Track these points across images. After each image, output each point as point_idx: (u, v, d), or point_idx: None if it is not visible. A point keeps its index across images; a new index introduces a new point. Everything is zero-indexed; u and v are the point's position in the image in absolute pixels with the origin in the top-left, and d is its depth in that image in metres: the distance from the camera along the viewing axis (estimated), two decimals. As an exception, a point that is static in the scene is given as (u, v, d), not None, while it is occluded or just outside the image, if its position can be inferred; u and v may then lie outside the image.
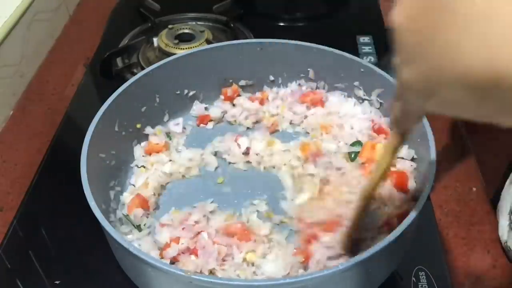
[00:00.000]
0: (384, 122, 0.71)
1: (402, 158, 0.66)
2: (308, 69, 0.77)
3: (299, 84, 0.78)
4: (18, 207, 0.70)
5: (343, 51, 0.73)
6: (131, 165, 0.71)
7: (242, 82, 0.79)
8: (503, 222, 0.65)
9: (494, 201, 0.71)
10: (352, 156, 0.69)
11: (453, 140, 0.80)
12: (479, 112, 0.30)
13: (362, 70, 0.71)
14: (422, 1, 0.30)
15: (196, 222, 0.61)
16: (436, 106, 0.33)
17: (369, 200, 0.53)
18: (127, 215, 0.63)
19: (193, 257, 0.57)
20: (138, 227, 0.62)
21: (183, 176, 0.70)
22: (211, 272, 0.56)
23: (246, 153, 0.71)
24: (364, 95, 0.73)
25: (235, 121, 0.77)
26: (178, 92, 0.77)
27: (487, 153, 0.82)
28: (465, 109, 0.31)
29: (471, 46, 0.27)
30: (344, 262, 0.48)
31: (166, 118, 0.76)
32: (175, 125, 0.75)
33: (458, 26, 0.27)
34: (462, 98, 0.29)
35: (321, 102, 0.76)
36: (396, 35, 0.32)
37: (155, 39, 0.95)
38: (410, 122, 0.43)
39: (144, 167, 0.70)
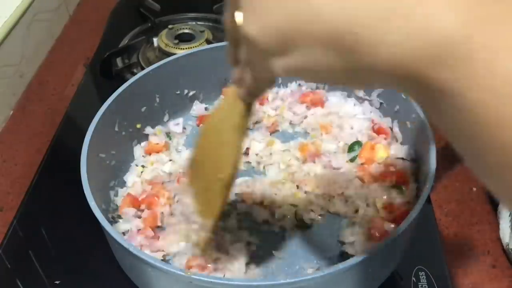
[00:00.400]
0: (384, 122, 0.71)
1: (402, 158, 0.66)
2: (308, 69, 0.77)
3: (299, 84, 0.78)
4: (18, 207, 0.70)
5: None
6: (131, 164, 0.71)
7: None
8: (504, 224, 0.65)
9: (494, 201, 0.71)
10: (351, 157, 0.69)
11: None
12: (337, 76, 0.28)
13: (362, 70, 0.71)
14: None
15: None
16: (288, 68, 0.28)
17: (229, 189, 0.48)
18: (119, 215, 0.63)
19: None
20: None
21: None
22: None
23: (246, 153, 0.71)
24: (364, 95, 0.73)
25: None
26: (178, 92, 0.77)
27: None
28: (320, 72, 0.28)
29: (330, 5, 0.25)
30: (344, 262, 0.48)
31: (166, 118, 0.76)
32: (175, 125, 0.75)
33: None
34: (318, 56, 0.26)
35: (321, 102, 0.76)
36: None
37: (155, 39, 0.95)
38: (260, 90, 0.38)
39: (144, 166, 0.70)
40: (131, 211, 0.63)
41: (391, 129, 0.70)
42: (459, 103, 0.24)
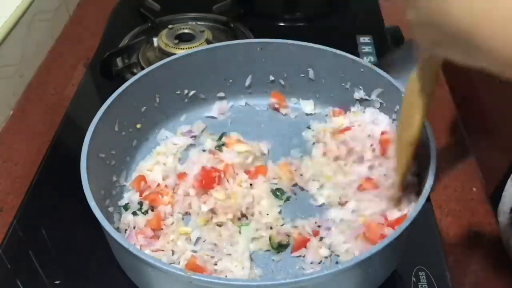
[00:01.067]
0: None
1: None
2: (308, 69, 0.77)
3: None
4: (18, 207, 0.70)
5: (343, 51, 0.73)
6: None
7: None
8: (504, 221, 0.66)
9: (494, 201, 0.71)
10: None
11: (453, 140, 0.80)
12: (471, 59, 0.33)
13: (362, 70, 0.71)
14: None
15: None
16: (438, 49, 0.36)
17: (415, 144, 0.53)
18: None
19: None
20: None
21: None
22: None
23: None
24: (364, 95, 0.73)
25: None
26: (178, 92, 0.77)
27: (487, 153, 0.82)
28: (458, 54, 0.34)
29: (459, 7, 0.30)
30: (344, 262, 0.48)
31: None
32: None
33: None
34: (451, 41, 0.33)
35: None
36: None
37: (155, 39, 0.95)
38: (435, 61, 0.45)
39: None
40: (135, 197, 0.65)
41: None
42: None
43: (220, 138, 0.76)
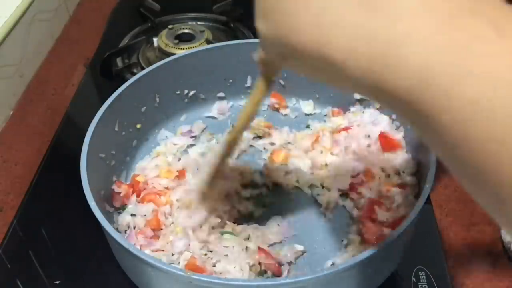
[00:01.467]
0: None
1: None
2: (308, 69, 0.77)
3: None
4: (18, 207, 0.70)
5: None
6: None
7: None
8: (503, 222, 0.65)
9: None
10: None
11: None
12: (319, 77, 0.32)
13: (362, 70, 0.71)
14: None
15: None
16: (285, 63, 0.35)
17: (231, 148, 0.56)
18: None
19: None
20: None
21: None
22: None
23: None
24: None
25: None
26: (178, 92, 0.77)
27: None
28: (308, 74, 0.33)
29: (306, 22, 0.28)
30: (344, 262, 0.48)
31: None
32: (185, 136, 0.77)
33: (297, 5, 0.29)
34: (299, 63, 0.32)
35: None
36: None
37: (155, 39, 0.95)
38: (272, 69, 0.45)
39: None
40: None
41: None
42: (432, 124, 0.26)
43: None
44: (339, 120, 0.74)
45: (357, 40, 0.27)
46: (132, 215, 0.63)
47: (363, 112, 0.73)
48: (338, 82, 0.32)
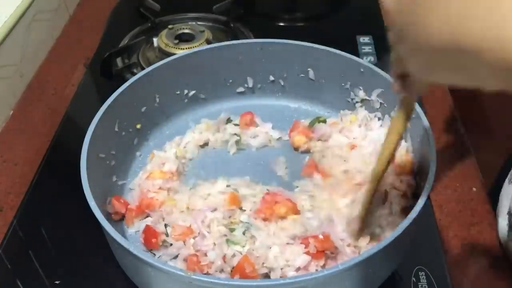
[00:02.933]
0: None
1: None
2: (308, 69, 0.77)
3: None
4: (18, 207, 0.70)
5: (343, 51, 0.73)
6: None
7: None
8: (502, 222, 0.66)
9: (494, 201, 0.71)
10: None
11: (453, 140, 0.80)
12: (459, 78, 0.34)
13: (362, 70, 0.71)
14: None
15: None
16: (427, 73, 0.37)
17: (379, 182, 0.56)
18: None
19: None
20: None
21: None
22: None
23: None
24: (364, 95, 0.73)
25: None
26: (178, 92, 0.77)
27: (487, 153, 0.82)
28: (450, 77, 0.35)
29: (437, 22, 0.31)
30: (344, 262, 0.48)
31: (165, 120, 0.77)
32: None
33: (425, 8, 0.32)
34: (441, 64, 0.34)
35: None
36: (387, 17, 0.37)
37: (155, 39, 0.95)
38: (414, 94, 0.48)
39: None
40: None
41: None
42: None
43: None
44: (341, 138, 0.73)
45: (490, 25, 0.28)
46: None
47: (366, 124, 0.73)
48: (481, 77, 0.32)
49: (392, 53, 0.41)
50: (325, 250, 0.56)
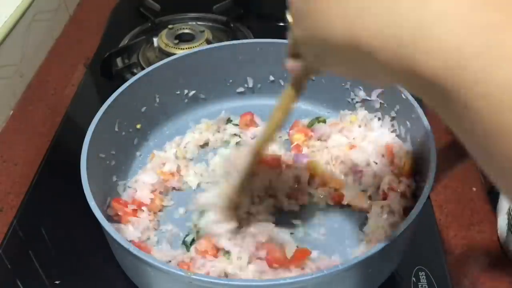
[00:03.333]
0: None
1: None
2: (308, 69, 0.77)
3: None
4: (18, 207, 0.70)
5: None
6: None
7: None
8: (502, 222, 0.66)
9: (493, 201, 0.71)
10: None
11: (453, 140, 0.80)
12: (353, 72, 0.35)
13: (362, 70, 0.71)
14: None
15: None
16: (319, 63, 0.37)
17: (259, 155, 0.56)
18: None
19: None
20: None
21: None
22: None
23: None
24: (364, 95, 0.73)
25: None
26: (178, 92, 0.77)
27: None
28: (342, 70, 0.35)
29: (337, 15, 0.30)
30: (344, 262, 0.48)
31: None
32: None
33: None
34: (335, 59, 0.33)
35: None
36: None
37: (155, 39, 0.95)
38: (305, 74, 0.46)
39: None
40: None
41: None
42: (461, 107, 0.26)
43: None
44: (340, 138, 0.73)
45: (388, 24, 0.27)
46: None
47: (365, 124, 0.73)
48: (371, 72, 0.32)
49: (289, 32, 0.39)
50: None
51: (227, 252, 0.57)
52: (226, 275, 0.56)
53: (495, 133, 0.24)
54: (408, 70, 0.27)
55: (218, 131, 0.76)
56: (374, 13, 0.28)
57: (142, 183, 0.67)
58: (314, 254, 0.59)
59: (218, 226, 0.59)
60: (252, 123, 0.76)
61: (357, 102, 0.75)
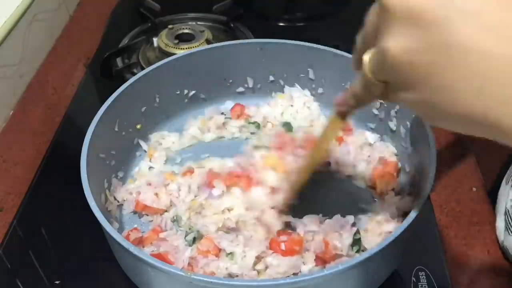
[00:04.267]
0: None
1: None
2: (308, 69, 0.77)
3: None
4: (18, 207, 0.70)
5: (343, 51, 0.73)
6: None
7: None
8: (500, 222, 0.66)
9: (494, 201, 0.71)
10: None
11: (453, 140, 0.80)
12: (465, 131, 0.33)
13: (362, 70, 0.71)
14: (421, 36, 0.29)
15: None
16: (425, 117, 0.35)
17: (305, 177, 0.58)
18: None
19: None
20: None
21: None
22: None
23: None
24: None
25: None
26: (178, 92, 0.77)
27: (486, 153, 0.82)
28: (454, 129, 0.33)
29: (467, 95, 0.29)
30: (344, 262, 0.48)
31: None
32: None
33: (456, 73, 0.29)
34: (453, 126, 0.32)
35: None
36: (392, 52, 0.31)
37: (155, 39, 0.95)
38: (356, 107, 0.45)
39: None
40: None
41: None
42: None
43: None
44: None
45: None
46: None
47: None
48: (485, 133, 0.31)
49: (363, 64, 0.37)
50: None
51: (230, 253, 0.57)
52: (230, 275, 0.56)
53: None
54: None
55: (218, 130, 0.77)
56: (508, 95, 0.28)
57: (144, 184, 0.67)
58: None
59: (213, 226, 0.60)
60: (242, 114, 0.77)
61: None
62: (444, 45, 0.28)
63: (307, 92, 0.79)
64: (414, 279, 0.59)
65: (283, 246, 0.57)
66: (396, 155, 0.70)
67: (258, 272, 0.56)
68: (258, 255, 0.57)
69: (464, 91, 0.29)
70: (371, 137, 0.73)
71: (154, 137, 0.75)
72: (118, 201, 0.66)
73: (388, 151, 0.70)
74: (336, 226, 0.60)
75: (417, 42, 0.30)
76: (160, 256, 0.56)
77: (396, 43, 0.31)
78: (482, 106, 0.29)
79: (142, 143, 0.74)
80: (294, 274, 0.56)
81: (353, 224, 0.61)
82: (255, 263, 0.57)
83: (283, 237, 0.58)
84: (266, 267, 0.56)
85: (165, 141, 0.74)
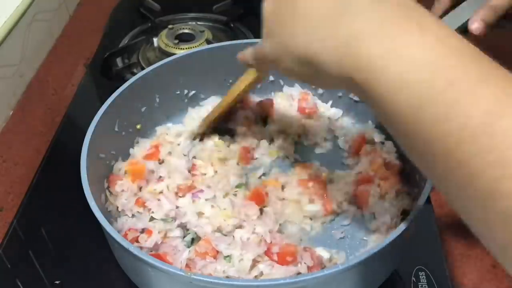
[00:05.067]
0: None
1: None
2: (308, 69, 0.77)
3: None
4: (18, 207, 0.70)
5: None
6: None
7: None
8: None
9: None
10: None
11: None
12: (305, 78, 0.45)
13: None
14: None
15: None
16: (280, 69, 0.46)
17: (219, 113, 0.69)
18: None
19: None
20: None
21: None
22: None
23: None
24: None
25: None
26: (178, 92, 0.77)
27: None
28: (297, 76, 0.44)
29: (300, 36, 0.40)
30: (344, 262, 0.48)
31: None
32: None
33: (295, 21, 0.41)
34: (295, 67, 0.43)
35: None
36: (264, 14, 0.46)
37: (155, 39, 0.95)
38: (263, 69, 0.60)
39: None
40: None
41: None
42: (372, 96, 0.36)
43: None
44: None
45: (332, 43, 0.37)
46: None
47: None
48: (317, 79, 0.43)
49: (260, 41, 0.49)
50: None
51: (228, 256, 0.57)
52: (227, 277, 0.56)
53: (391, 110, 0.35)
54: (346, 78, 0.37)
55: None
56: (323, 34, 0.38)
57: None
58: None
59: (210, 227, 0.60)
60: None
61: (356, 101, 0.75)
62: (289, 4, 0.42)
63: (306, 91, 0.79)
64: (414, 279, 0.59)
65: (275, 257, 0.56)
66: (397, 154, 0.70)
67: (255, 277, 0.56)
68: (254, 258, 0.56)
69: (299, 34, 0.40)
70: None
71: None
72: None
73: (389, 151, 0.70)
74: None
75: (273, 3, 0.45)
76: (158, 257, 0.56)
77: (267, 5, 0.46)
78: (309, 44, 0.39)
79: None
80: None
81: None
82: (252, 266, 0.56)
83: (275, 248, 0.57)
84: (262, 273, 0.56)
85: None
